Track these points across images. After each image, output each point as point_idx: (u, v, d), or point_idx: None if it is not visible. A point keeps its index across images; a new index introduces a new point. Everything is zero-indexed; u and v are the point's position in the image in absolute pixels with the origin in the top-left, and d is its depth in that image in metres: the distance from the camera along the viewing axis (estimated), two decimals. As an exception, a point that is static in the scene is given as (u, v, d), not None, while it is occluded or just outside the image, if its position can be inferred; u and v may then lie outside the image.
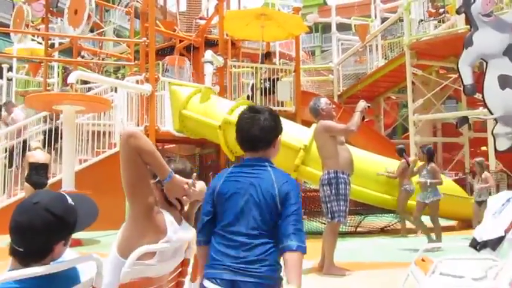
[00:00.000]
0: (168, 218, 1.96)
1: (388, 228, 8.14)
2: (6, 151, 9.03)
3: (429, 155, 6.65)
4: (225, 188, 1.97)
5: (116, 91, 9.50)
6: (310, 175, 7.21)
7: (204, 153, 10.67)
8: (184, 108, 8.80)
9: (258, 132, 1.98)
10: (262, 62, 10.60)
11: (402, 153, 7.69)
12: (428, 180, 6.40)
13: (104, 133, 9.48)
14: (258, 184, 1.92)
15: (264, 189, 1.91)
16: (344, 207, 4.69)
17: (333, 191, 4.66)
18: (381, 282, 4.44)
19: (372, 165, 7.58)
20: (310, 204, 9.32)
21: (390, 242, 6.98)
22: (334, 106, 5.14)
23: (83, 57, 14.25)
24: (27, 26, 14.01)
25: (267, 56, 11.14)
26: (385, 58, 14.13)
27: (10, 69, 15.95)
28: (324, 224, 7.96)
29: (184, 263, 2.29)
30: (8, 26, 17.08)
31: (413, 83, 11.91)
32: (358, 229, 7.98)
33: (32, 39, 15.96)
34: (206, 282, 1.92)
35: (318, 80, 15.63)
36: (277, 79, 10.24)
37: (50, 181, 8.67)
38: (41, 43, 15.55)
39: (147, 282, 1.96)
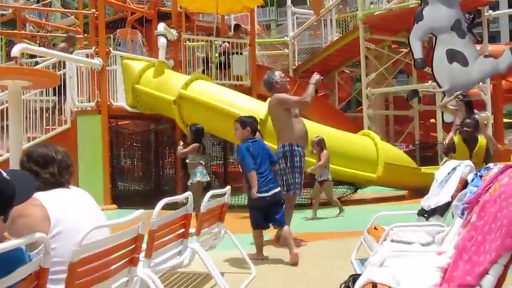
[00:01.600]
0: (51, 204, 2.06)
1: (343, 199, 8.35)
2: None
3: (196, 135, 6.02)
4: (254, 150, 4.31)
5: (64, 66, 9.09)
6: (266, 149, 7.23)
7: (159, 128, 10.47)
8: (137, 83, 8.58)
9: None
10: (217, 35, 10.42)
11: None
12: (201, 162, 6.00)
13: (54, 109, 9.11)
14: (265, 147, 4.51)
15: (267, 149, 4.50)
16: (299, 179, 4.75)
17: (288, 164, 4.70)
18: (336, 251, 4.57)
19: (328, 138, 7.68)
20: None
21: (344, 213, 7.17)
22: (288, 79, 5.13)
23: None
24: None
25: (236, 28, 10.95)
26: (341, 32, 14.21)
27: None
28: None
29: (138, 239, 2.27)
30: None
31: (366, 57, 12.10)
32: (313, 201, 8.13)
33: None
34: (262, 194, 4.25)
35: (273, 54, 15.57)
36: (239, 53, 10.13)
37: None
38: (-20, 14, 14.59)
39: (95, 258, 1.95)
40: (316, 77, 4.75)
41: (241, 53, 10.22)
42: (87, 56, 8.82)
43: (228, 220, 3.82)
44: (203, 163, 6.13)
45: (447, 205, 3.28)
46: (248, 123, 4.44)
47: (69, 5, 20.94)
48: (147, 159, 10.14)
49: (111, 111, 8.65)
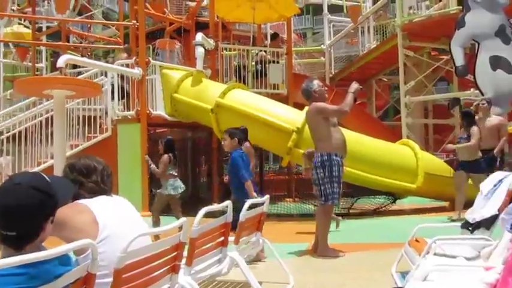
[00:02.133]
0: (98, 209, 2.12)
1: (381, 209, 8.20)
2: None
3: (167, 147, 6.18)
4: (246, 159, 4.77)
5: (106, 75, 9.37)
6: (303, 158, 7.19)
7: (196, 137, 10.61)
8: (175, 92, 8.73)
9: None
10: (254, 44, 10.50)
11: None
12: (172, 173, 5.94)
13: (95, 118, 9.39)
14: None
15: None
16: (337, 189, 4.70)
17: (326, 174, 4.66)
18: (375, 263, 4.48)
19: (366, 148, 7.59)
20: (303, 187, 9.36)
21: (383, 223, 7.03)
22: (326, 88, 5.10)
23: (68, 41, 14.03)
24: (13, 9, 13.73)
25: (274, 37, 10.99)
26: (379, 40, 14.03)
27: (-3, 53, 15.65)
28: (317, 206, 8.02)
29: (179, 246, 2.29)
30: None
31: (405, 64, 11.89)
32: (351, 211, 8.03)
33: (19, 23, 15.66)
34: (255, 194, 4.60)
35: (309, 62, 15.54)
36: (276, 62, 10.18)
37: (41, 167, 8.60)
38: (28, 27, 15.26)
39: (139, 264, 1.99)
40: (355, 86, 4.71)
41: (277, 62, 10.26)
42: (127, 65, 9.05)
43: (265, 229, 3.82)
44: (175, 174, 6.05)
45: (493, 218, 3.16)
46: (236, 134, 4.90)
47: (110, 17, 21.63)
48: (184, 167, 10.29)
49: (150, 120, 8.82)
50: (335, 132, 4.77)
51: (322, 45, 15.15)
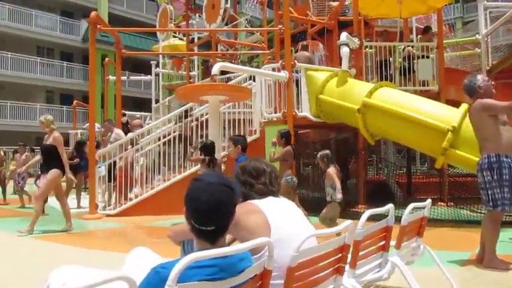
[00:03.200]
0: (269, 210, 2.21)
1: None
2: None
3: (204, 150, 6.52)
4: None
5: (254, 80, 9.81)
6: (461, 159, 6.64)
7: (339, 137, 10.50)
8: (320, 93, 8.76)
9: None
10: (401, 40, 10.03)
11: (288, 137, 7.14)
12: None
13: (244, 121, 9.90)
14: None
15: None
16: (509, 194, 4.22)
17: (495, 177, 4.21)
18: (556, 279, 3.92)
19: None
20: (458, 191, 8.64)
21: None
22: (493, 83, 4.60)
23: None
24: (171, 25, 15.21)
25: (427, 30, 10.45)
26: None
27: (157, 65, 17.51)
28: (477, 212, 7.33)
29: (344, 248, 2.28)
30: (154, 26, 18.77)
31: None
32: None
33: (174, 36, 17.29)
34: None
35: (463, 54, 14.31)
36: (426, 57, 9.64)
37: (197, 167, 9.32)
38: (182, 39, 16.79)
39: (308, 264, 2.02)
40: (529, 77, 4.19)
41: (427, 57, 9.66)
42: (273, 69, 9.36)
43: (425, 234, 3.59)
44: None
45: None
46: (239, 141, 5.45)
47: (253, 24, 22.68)
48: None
49: (296, 121, 8.98)
50: (505, 131, 4.29)
51: (477, 35, 13.83)
